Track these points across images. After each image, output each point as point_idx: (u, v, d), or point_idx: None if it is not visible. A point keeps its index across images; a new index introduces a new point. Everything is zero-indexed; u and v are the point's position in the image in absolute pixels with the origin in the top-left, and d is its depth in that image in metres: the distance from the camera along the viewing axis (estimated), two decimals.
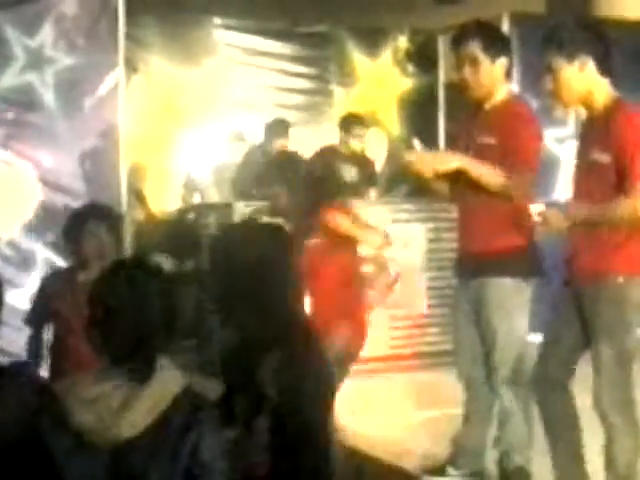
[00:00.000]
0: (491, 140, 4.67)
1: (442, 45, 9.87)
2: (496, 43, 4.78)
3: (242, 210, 7.56)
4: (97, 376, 2.61)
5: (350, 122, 9.15)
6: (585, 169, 4.30)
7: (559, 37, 4.27)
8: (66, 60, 7.74)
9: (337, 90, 10.46)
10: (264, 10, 10.79)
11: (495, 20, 7.83)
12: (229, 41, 9.93)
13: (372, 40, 10.46)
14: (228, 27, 9.94)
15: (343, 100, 10.33)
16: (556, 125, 8.37)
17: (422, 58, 10.42)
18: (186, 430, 2.55)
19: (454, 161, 4.57)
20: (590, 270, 4.24)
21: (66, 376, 4.64)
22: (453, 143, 5.23)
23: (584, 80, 4.24)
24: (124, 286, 2.68)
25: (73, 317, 4.66)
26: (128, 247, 7.96)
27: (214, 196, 9.18)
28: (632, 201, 4.05)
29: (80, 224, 4.98)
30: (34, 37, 7.66)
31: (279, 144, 9.02)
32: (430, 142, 8.73)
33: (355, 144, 9.06)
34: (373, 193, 9.09)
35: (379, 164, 10.04)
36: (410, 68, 10.53)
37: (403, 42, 10.52)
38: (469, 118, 4.95)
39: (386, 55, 10.45)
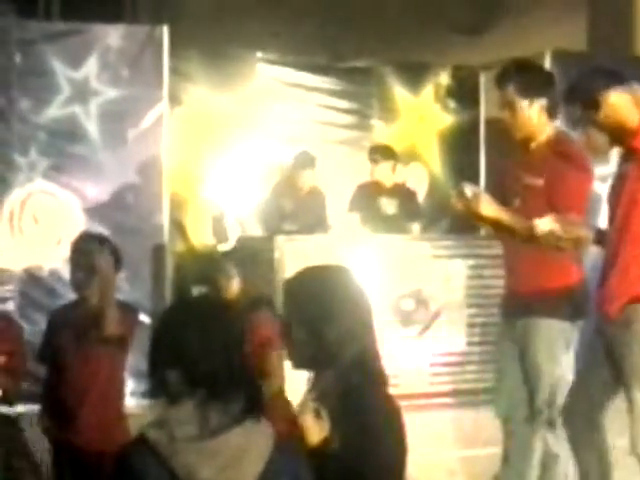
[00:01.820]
0: (538, 181, 4.62)
1: (483, 81, 9.88)
2: (534, 84, 4.71)
3: (282, 243, 7.55)
4: (203, 422, 2.47)
5: (373, 151, 8.99)
6: None
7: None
8: (110, 92, 7.81)
9: (378, 125, 10.46)
10: (306, 45, 10.85)
11: (537, 57, 7.82)
12: (271, 74, 9.97)
13: (414, 75, 10.45)
14: (270, 61, 9.99)
15: (383, 135, 10.32)
16: (598, 163, 8.30)
17: (463, 94, 10.42)
18: (295, 476, 2.53)
19: (491, 211, 4.53)
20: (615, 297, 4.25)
21: (59, 411, 4.56)
22: (497, 182, 5.21)
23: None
24: (207, 320, 2.58)
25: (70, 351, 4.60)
26: (169, 278, 8.01)
27: (254, 229, 9.17)
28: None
29: (72, 252, 4.73)
30: (79, 69, 7.73)
31: (306, 177, 8.94)
32: (471, 178, 8.72)
33: (378, 173, 8.92)
34: (416, 227, 9.02)
35: (420, 199, 10.00)
36: (451, 104, 10.52)
37: (445, 78, 10.51)
38: (514, 158, 4.92)
39: (427, 91, 10.44)
